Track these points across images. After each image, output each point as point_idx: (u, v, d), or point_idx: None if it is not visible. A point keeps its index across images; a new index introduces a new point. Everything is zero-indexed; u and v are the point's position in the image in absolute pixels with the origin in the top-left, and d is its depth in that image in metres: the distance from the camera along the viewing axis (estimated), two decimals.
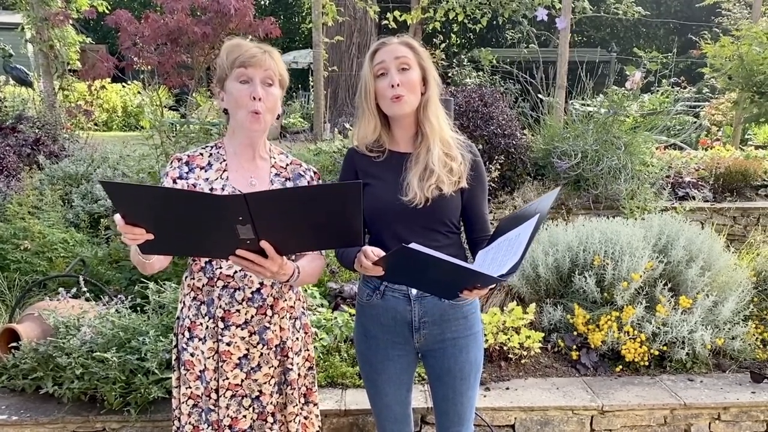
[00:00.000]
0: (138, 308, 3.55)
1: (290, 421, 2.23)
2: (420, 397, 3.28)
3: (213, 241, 1.75)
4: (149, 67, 5.11)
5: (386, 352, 2.28)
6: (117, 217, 1.67)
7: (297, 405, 2.24)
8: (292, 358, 2.21)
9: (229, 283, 2.08)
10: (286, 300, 2.19)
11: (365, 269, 1.94)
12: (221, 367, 2.11)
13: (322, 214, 1.71)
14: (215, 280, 2.09)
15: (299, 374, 2.28)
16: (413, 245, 1.71)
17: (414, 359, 2.34)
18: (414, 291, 2.18)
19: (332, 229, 1.79)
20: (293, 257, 2.13)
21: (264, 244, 1.75)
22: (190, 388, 2.15)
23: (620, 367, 3.67)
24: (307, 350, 2.33)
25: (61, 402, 3.15)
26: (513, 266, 1.81)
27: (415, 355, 2.32)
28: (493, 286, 1.99)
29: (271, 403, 2.18)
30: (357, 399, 3.26)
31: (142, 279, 3.77)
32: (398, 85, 2.09)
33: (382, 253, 1.92)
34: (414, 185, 2.10)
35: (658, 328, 3.67)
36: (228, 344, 2.10)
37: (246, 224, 1.67)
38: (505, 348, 3.65)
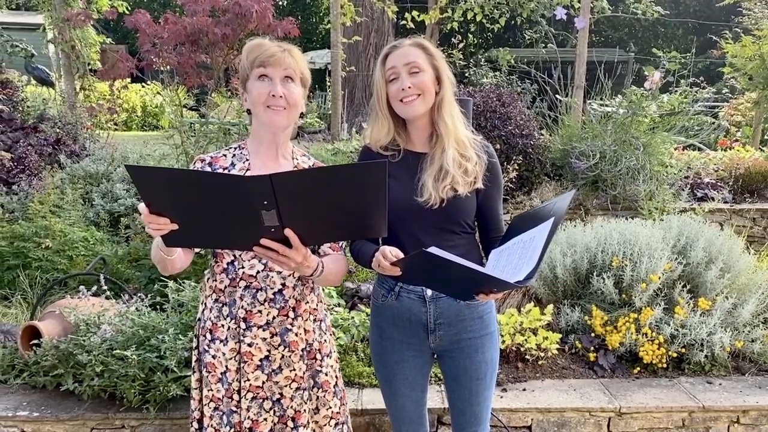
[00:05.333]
0: (157, 306, 3.58)
1: (324, 425, 2.24)
2: (436, 398, 3.28)
3: (237, 229, 1.74)
4: (168, 67, 5.14)
5: (401, 353, 2.29)
6: (141, 206, 1.67)
7: (330, 408, 2.24)
8: (321, 360, 2.22)
9: (251, 283, 2.09)
10: (308, 302, 2.20)
11: (383, 269, 1.94)
12: (243, 368, 2.11)
13: (346, 197, 1.69)
14: (237, 280, 2.09)
15: (336, 377, 2.29)
16: (433, 249, 1.70)
17: (429, 360, 2.34)
18: (429, 292, 2.18)
19: (357, 215, 1.77)
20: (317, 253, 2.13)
21: (288, 232, 1.73)
22: (211, 390, 2.15)
23: (638, 368, 3.65)
24: (335, 351, 2.34)
25: (81, 399, 3.18)
26: (530, 272, 1.81)
27: (430, 356, 2.32)
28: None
29: (291, 407, 2.17)
30: (373, 399, 3.27)
31: (162, 278, 3.81)
32: (409, 88, 2.10)
33: (401, 254, 1.92)
34: (429, 186, 2.10)
35: (677, 330, 3.65)
36: (249, 345, 2.10)
37: (271, 209, 1.65)
38: (522, 349, 3.64)
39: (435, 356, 2.34)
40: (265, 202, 1.64)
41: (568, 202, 1.94)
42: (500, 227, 2.26)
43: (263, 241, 1.75)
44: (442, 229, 2.14)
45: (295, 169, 2.15)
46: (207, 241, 1.91)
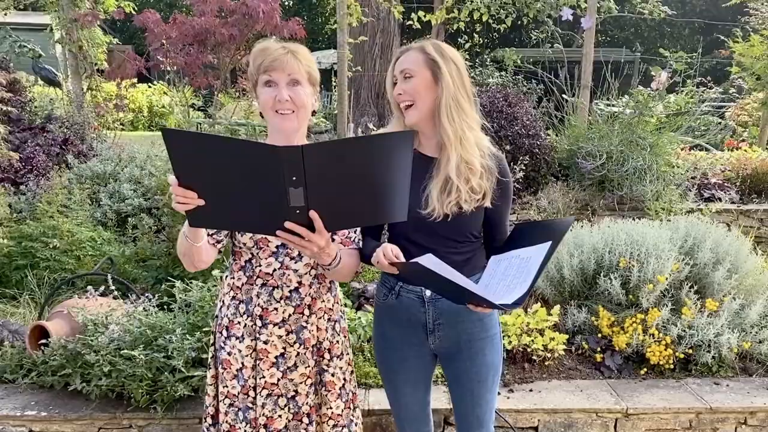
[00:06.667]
0: (164, 307, 3.59)
1: (324, 422, 2.25)
2: (443, 398, 3.28)
3: (263, 208, 1.72)
4: (175, 67, 5.15)
5: (402, 353, 2.29)
6: (171, 178, 1.67)
7: (331, 408, 2.25)
8: (329, 360, 2.24)
9: (268, 281, 2.11)
10: (324, 301, 2.21)
11: (381, 266, 1.95)
12: (258, 365, 2.14)
13: (373, 170, 1.68)
14: (254, 278, 2.12)
15: (345, 379, 2.29)
16: (423, 261, 1.72)
17: (431, 360, 2.34)
18: (428, 293, 2.18)
19: (380, 194, 1.76)
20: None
21: (313, 215, 1.72)
22: (227, 387, 2.17)
23: (645, 369, 3.64)
24: (347, 354, 2.34)
25: (89, 399, 3.19)
26: (519, 298, 1.84)
27: (432, 357, 2.32)
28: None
29: (307, 403, 2.19)
30: (380, 399, 3.26)
31: (169, 278, 3.82)
32: (399, 95, 2.09)
33: (401, 255, 1.94)
34: (434, 198, 2.07)
35: (684, 330, 3.64)
36: (265, 342, 2.12)
37: (299, 186, 1.64)
38: (528, 350, 3.64)
39: (438, 358, 2.33)
40: (294, 178, 1.63)
41: (568, 227, 1.99)
42: (505, 236, 2.24)
43: (288, 224, 1.73)
44: (446, 238, 2.13)
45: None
46: (232, 221, 1.88)
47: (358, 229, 2.20)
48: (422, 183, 2.11)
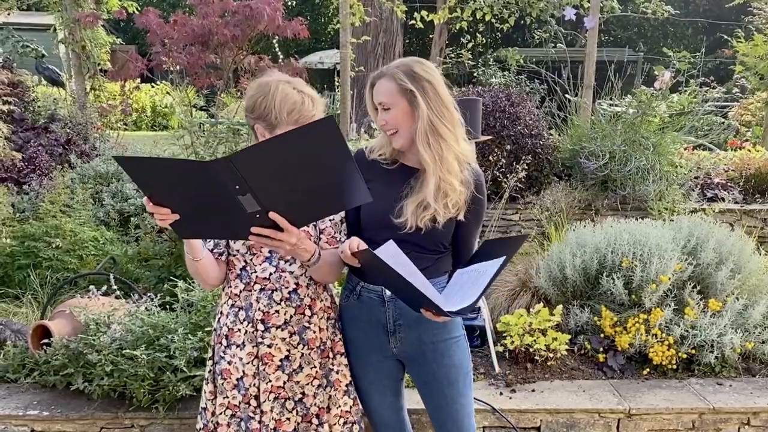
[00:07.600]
0: (167, 306, 3.58)
1: (334, 424, 2.25)
2: None
3: (227, 217, 1.77)
4: (178, 67, 5.16)
5: (363, 357, 2.28)
6: (144, 198, 1.77)
7: (340, 407, 2.26)
8: (334, 358, 2.24)
9: (265, 285, 2.12)
10: (322, 300, 2.22)
11: (345, 257, 1.98)
12: (263, 370, 2.13)
13: (311, 163, 1.70)
14: (252, 284, 2.12)
15: (347, 376, 2.29)
16: (383, 250, 1.76)
17: (396, 364, 2.31)
18: (388, 292, 2.16)
19: (330, 183, 1.78)
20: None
21: (274, 215, 1.76)
22: (227, 398, 2.16)
23: (647, 370, 3.63)
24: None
25: (91, 398, 3.19)
26: (464, 308, 1.87)
27: (396, 361, 2.30)
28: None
29: (315, 404, 2.19)
30: None
31: (171, 277, 3.82)
32: (384, 124, 2.11)
33: (363, 243, 1.96)
34: (408, 211, 2.06)
35: (687, 331, 3.63)
36: (269, 346, 2.12)
37: (246, 193, 1.68)
38: (531, 350, 3.63)
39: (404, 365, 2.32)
40: (237, 186, 1.66)
41: (522, 243, 2.12)
42: (471, 253, 2.24)
43: (254, 229, 1.78)
44: (416, 244, 2.12)
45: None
46: (208, 231, 1.95)
47: (344, 230, 2.21)
48: (399, 191, 2.12)
